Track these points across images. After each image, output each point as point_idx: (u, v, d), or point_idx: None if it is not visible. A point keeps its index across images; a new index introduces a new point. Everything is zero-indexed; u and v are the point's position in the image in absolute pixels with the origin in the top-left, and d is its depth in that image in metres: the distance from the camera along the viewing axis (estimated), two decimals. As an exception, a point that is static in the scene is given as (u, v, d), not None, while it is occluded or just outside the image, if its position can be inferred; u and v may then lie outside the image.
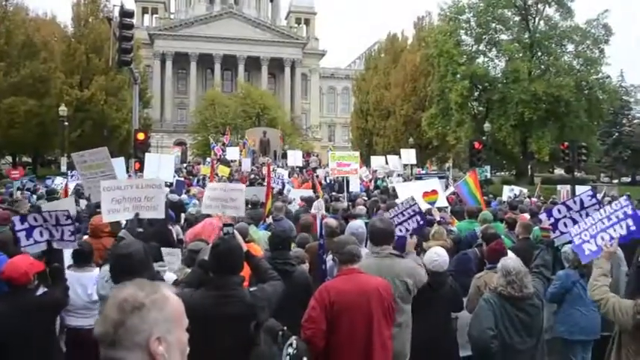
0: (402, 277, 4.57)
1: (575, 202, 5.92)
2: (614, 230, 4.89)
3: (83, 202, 12.74)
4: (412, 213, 6.32)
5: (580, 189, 18.28)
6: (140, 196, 5.46)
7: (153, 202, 5.41)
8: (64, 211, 5.27)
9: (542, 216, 6.28)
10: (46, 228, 5.05)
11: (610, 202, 5.60)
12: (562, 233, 5.84)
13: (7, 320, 4.15)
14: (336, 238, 4.68)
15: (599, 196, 26.42)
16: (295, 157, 28.98)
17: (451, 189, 15.05)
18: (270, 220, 9.42)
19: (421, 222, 6.37)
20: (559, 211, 5.90)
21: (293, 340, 3.44)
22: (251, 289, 3.70)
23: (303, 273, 5.15)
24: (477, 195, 11.76)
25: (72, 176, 17.86)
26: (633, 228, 4.80)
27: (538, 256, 5.17)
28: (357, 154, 16.72)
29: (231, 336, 3.38)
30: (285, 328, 3.46)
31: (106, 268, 4.21)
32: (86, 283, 5.35)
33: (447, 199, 13.72)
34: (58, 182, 19.38)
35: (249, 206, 10.04)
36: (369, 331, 3.94)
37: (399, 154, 27.89)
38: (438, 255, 5.42)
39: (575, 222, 5.63)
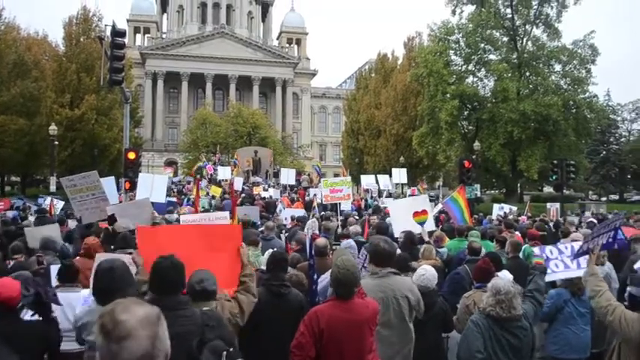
0: (404, 293, 4.60)
1: (566, 248, 6.06)
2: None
3: (72, 223, 12.67)
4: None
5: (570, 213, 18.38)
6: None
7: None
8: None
9: (536, 250, 6.47)
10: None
11: (597, 221, 5.77)
12: (553, 272, 5.96)
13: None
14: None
15: (587, 214, 26.79)
16: (289, 175, 28.97)
17: (439, 207, 15.04)
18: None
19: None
20: (551, 252, 6.04)
21: None
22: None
23: (297, 295, 5.08)
24: (465, 212, 11.79)
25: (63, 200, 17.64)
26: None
27: (532, 280, 5.31)
28: (349, 179, 16.52)
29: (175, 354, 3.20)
30: (231, 349, 3.28)
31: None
32: (74, 304, 5.07)
33: (439, 217, 13.77)
34: (48, 202, 19.20)
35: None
36: None
37: (389, 172, 27.97)
38: (425, 270, 5.50)
39: (566, 266, 5.85)
